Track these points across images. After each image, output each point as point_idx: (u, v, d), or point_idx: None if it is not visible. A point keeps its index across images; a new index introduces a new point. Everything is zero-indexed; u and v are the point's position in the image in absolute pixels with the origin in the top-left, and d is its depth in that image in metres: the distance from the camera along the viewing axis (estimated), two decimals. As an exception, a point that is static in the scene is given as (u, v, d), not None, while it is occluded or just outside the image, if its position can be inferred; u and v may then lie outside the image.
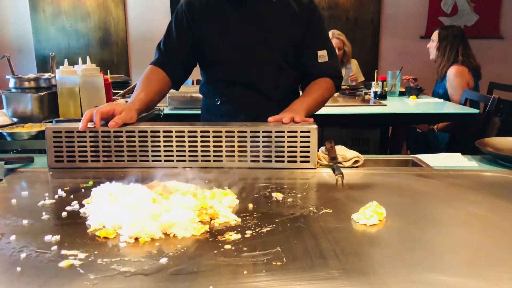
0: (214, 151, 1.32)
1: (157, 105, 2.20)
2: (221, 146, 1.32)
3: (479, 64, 3.31)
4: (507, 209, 1.02)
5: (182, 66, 1.61)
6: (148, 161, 1.33)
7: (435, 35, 3.39)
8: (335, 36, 3.92)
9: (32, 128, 1.67)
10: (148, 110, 1.54)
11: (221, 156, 1.32)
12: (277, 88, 1.62)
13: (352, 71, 4.05)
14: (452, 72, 3.21)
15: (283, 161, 1.32)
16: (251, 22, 1.56)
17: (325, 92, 1.61)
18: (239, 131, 1.31)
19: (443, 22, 4.84)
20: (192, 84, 3.68)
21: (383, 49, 5.03)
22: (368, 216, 0.92)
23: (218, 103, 1.66)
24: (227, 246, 0.81)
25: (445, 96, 3.27)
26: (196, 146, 1.32)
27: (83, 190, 1.14)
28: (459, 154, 1.48)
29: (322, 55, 1.62)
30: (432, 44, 3.41)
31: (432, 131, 3.26)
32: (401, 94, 3.44)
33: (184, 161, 1.33)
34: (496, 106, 2.67)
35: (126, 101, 1.75)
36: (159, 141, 1.33)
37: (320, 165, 1.35)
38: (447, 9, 4.90)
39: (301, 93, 1.67)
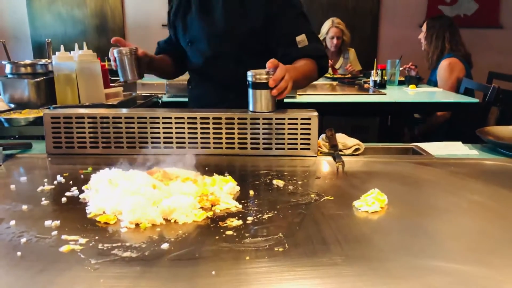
0: (214, 138, 1.31)
1: (155, 92, 2.20)
2: (221, 133, 1.31)
3: (469, 52, 3.33)
4: (508, 197, 1.02)
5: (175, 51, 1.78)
6: (147, 147, 1.32)
7: (424, 26, 3.44)
8: (334, 24, 3.88)
9: (29, 114, 1.66)
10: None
11: (221, 143, 1.31)
12: (236, 79, 1.57)
13: (350, 60, 4.02)
14: (443, 65, 3.23)
15: (283, 149, 1.31)
16: (204, 17, 1.62)
17: (311, 69, 1.58)
18: (239, 118, 1.30)
19: (443, 11, 4.80)
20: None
21: (382, 38, 5.00)
22: (370, 203, 0.92)
23: (190, 87, 1.82)
24: (229, 232, 0.81)
25: None
26: (196, 133, 1.31)
27: (82, 176, 1.13)
28: (460, 142, 1.48)
29: (302, 40, 1.59)
30: (422, 35, 3.46)
31: (430, 120, 3.26)
32: (401, 83, 3.42)
33: (184, 147, 1.32)
34: (495, 96, 2.66)
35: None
36: (158, 128, 1.31)
37: (321, 152, 1.35)
38: (446, -3, 4.86)
39: None
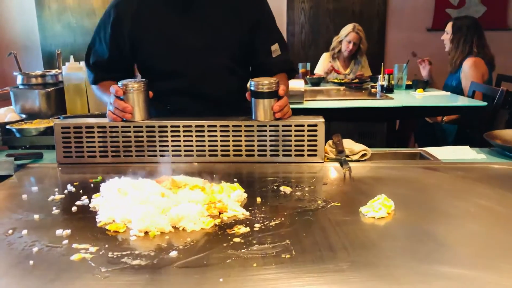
0: (221, 146, 1.33)
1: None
2: (228, 141, 1.32)
3: (493, 54, 3.25)
4: (516, 201, 1.02)
5: (122, 74, 1.49)
6: (156, 156, 1.34)
7: (449, 27, 3.31)
8: (355, 30, 3.81)
9: (40, 124, 1.69)
10: None
11: (228, 150, 1.33)
12: (228, 92, 1.54)
13: (361, 65, 4.00)
14: (468, 64, 3.15)
15: (290, 155, 1.32)
16: (193, 27, 1.45)
17: (287, 88, 1.53)
18: (246, 126, 1.31)
19: (450, 14, 4.78)
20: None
21: (390, 42, 4.99)
22: (377, 209, 0.92)
23: (168, 107, 1.53)
24: (236, 239, 0.82)
25: (458, 88, 3.21)
26: (204, 141, 1.33)
27: (92, 185, 1.15)
28: (467, 146, 1.47)
29: (275, 49, 1.54)
30: (447, 36, 3.32)
31: (438, 124, 3.23)
32: (408, 87, 3.41)
33: (192, 155, 1.33)
34: (504, 99, 2.64)
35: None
36: (166, 136, 1.33)
37: (328, 158, 1.35)
38: (454, 0, 4.85)
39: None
